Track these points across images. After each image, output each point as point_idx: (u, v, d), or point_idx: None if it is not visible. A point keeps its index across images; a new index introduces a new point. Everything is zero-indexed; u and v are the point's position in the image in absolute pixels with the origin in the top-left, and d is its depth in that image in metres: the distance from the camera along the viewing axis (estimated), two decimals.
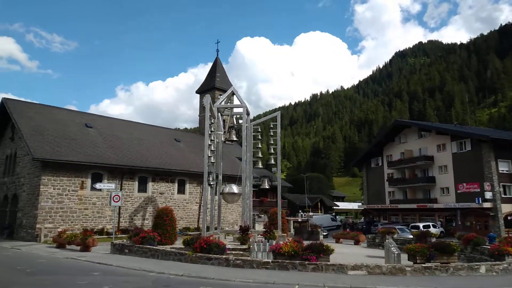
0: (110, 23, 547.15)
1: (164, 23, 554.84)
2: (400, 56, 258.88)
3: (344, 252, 20.26)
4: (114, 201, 19.93)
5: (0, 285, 10.25)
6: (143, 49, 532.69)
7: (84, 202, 25.72)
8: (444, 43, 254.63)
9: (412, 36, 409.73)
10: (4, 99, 28.45)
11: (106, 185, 23.81)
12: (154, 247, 16.44)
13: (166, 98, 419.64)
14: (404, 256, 15.08)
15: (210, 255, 14.24)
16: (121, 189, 26.46)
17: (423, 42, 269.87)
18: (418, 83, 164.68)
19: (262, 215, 29.35)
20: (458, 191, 40.14)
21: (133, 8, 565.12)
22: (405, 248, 15.81)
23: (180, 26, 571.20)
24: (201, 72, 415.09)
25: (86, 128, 30.05)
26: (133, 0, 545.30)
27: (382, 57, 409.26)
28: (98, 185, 22.50)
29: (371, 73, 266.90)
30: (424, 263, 13.90)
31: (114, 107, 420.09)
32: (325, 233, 34.22)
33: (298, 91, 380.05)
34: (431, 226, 35.59)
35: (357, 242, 27.44)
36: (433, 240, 20.01)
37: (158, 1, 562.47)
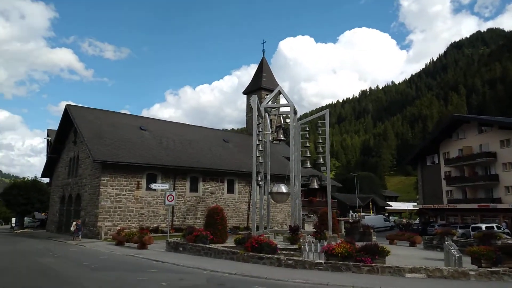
0: (158, 32, 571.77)
1: (209, 28, 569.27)
2: (456, 47, 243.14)
3: (399, 254, 19.41)
4: (168, 200, 20.69)
5: (72, 279, 11.03)
6: (190, 54, 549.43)
7: (140, 201, 26.98)
8: (506, 30, 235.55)
9: (465, 26, 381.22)
10: (67, 105, 30.62)
11: (160, 185, 24.80)
12: (207, 246, 16.83)
13: (211, 100, 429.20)
14: (465, 260, 14.13)
15: (262, 254, 14.30)
16: (174, 189, 27.42)
17: (482, 31, 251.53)
18: (476, 75, 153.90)
19: (312, 215, 28.99)
20: None
21: (179, 19, 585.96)
22: (468, 250, 14.80)
23: (224, 30, 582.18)
24: (243, 74, 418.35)
25: (141, 131, 31.51)
26: (179, 13, 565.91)
27: (434, 50, 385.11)
28: (153, 185, 23.49)
29: (423, 66, 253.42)
30: (490, 267, 12.93)
31: (164, 111, 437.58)
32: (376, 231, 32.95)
33: (343, 89, 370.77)
34: (495, 227, 33.10)
35: (412, 244, 26.20)
36: (499, 242, 18.58)
37: (202, 12, 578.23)
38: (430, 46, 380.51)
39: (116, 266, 13.80)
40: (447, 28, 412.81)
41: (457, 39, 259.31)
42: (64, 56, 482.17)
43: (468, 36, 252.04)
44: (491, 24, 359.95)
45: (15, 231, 39.08)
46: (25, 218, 44.86)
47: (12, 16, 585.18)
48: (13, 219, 46.30)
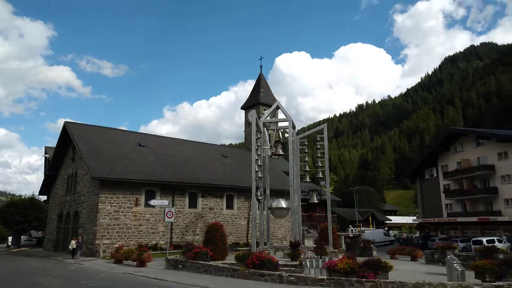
0: (156, 50, 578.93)
1: (206, 45, 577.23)
2: (451, 61, 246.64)
3: (401, 268, 19.18)
4: (167, 217, 20.51)
5: None
6: (187, 70, 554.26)
7: (138, 218, 26.72)
8: (499, 44, 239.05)
9: (459, 41, 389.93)
10: (66, 122, 30.59)
11: (159, 202, 24.60)
12: (207, 263, 16.61)
13: (209, 116, 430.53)
14: (468, 274, 13.99)
15: (263, 271, 14.11)
16: (173, 205, 27.20)
17: (475, 45, 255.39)
18: (471, 88, 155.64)
19: (312, 230, 28.78)
20: None
21: (174, 33, 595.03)
22: (471, 264, 14.68)
23: (221, 47, 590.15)
24: (240, 90, 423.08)
25: (139, 147, 31.45)
26: (176, 31, 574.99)
27: (428, 64, 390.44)
28: (152, 202, 23.32)
29: (419, 80, 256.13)
30: (494, 282, 12.79)
31: (162, 127, 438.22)
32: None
33: (339, 103, 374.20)
34: (496, 240, 32.86)
35: (414, 258, 25.95)
36: (501, 256, 18.44)
37: (197, 27, 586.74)
38: (425, 60, 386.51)
39: (115, 284, 13.57)
40: (441, 42, 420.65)
41: (451, 53, 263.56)
42: (62, 74, 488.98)
43: (462, 50, 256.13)
44: (484, 39, 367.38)
45: (12, 250, 38.51)
46: (21, 236, 44.28)
47: (11, 35, 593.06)
48: (10, 238, 45.70)
